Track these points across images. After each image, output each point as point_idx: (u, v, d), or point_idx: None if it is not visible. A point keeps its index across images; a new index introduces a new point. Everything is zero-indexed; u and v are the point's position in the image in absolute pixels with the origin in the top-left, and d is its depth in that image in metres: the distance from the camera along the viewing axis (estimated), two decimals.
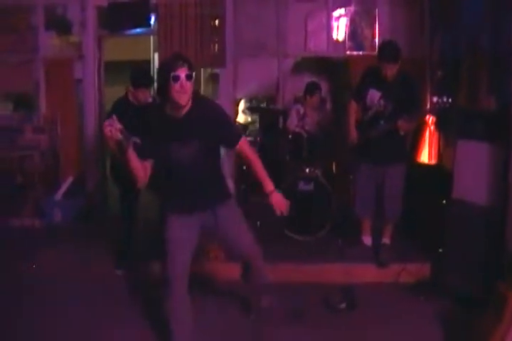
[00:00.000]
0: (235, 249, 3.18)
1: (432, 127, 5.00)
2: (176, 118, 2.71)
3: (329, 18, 5.70)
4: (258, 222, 4.91)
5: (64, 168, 6.00)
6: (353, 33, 5.67)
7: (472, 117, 3.86)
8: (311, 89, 5.09)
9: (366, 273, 4.10)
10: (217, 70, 6.28)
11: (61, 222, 5.57)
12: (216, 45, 5.76)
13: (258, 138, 5.26)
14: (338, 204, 4.70)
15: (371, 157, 4.21)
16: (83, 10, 5.86)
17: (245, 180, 5.26)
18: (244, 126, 6.07)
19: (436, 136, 4.95)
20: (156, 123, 2.75)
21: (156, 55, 6.67)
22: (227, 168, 5.39)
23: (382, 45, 4.17)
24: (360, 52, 5.68)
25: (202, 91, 7.12)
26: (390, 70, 3.98)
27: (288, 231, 4.63)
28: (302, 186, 4.68)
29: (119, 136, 2.49)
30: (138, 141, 2.57)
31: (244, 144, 2.92)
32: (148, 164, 2.73)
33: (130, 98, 4.18)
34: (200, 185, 2.86)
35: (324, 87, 5.42)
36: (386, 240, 4.40)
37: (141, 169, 2.69)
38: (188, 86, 2.60)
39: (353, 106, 4.37)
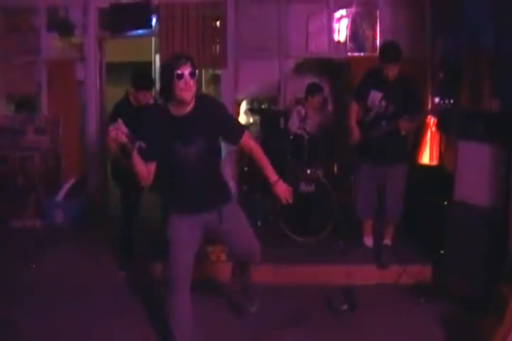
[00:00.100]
0: (237, 245, 3.15)
1: (434, 128, 5.00)
2: (180, 116, 2.73)
3: (330, 19, 5.70)
4: (259, 223, 4.92)
5: (65, 169, 6.01)
6: (354, 34, 5.67)
7: (473, 118, 3.86)
8: (313, 89, 5.09)
9: (367, 274, 4.10)
10: (218, 71, 6.29)
11: (62, 222, 5.59)
12: (217, 46, 5.77)
13: (259, 140, 5.25)
14: (339, 205, 4.69)
15: (372, 157, 4.21)
16: (85, 11, 5.88)
17: (247, 181, 5.26)
18: (246, 127, 6.06)
19: (437, 137, 4.94)
20: (160, 122, 2.76)
21: (158, 57, 6.66)
22: (229, 169, 5.40)
23: (384, 46, 4.18)
24: (362, 54, 5.68)
25: None
26: (392, 71, 3.98)
27: (289, 232, 4.63)
28: (303, 187, 4.68)
29: (125, 139, 2.52)
30: (143, 144, 2.59)
31: (247, 139, 2.95)
32: (152, 166, 2.74)
33: (131, 99, 4.19)
34: (204, 185, 2.87)
35: (325, 88, 5.41)
36: (387, 241, 4.40)
37: (145, 171, 2.71)
38: (192, 83, 2.65)
39: (354, 107, 4.36)
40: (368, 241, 4.48)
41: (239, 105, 6.05)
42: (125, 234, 4.32)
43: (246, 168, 5.27)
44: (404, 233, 4.58)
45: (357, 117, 4.34)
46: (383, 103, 4.12)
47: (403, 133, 4.07)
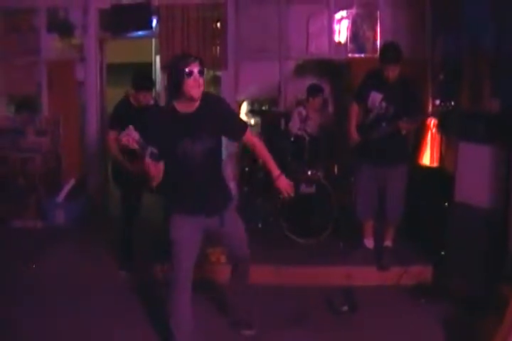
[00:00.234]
0: (232, 249, 3.22)
1: (434, 129, 5.00)
2: (187, 114, 2.78)
3: (331, 20, 5.71)
4: (260, 224, 4.92)
5: (66, 170, 6.02)
6: (354, 35, 5.68)
7: (474, 119, 3.86)
8: (314, 91, 5.09)
9: (368, 275, 4.09)
10: (218, 73, 6.29)
11: (63, 223, 5.60)
12: (218, 48, 5.77)
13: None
14: (339, 206, 4.69)
15: (373, 159, 4.20)
16: (85, 12, 5.89)
17: (248, 183, 5.26)
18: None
19: (438, 138, 4.94)
20: (167, 121, 2.79)
21: (158, 58, 6.67)
22: (230, 170, 5.40)
23: (384, 47, 4.19)
24: (362, 55, 5.69)
25: None
26: (392, 72, 3.98)
27: (289, 233, 4.62)
28: (304, 188, 4.68)
29: (136, 146, 2.55)
30: (155, 150, 2.61)
31: (250, 134, 3.00)
32: (161, 166, 2.76)
33: (131, 100, 4.19)
34: (207, 184, 2.90)
35: (326, 89, 5.41)
36: (388, 243, 4.39)
37: (158, 173, 2.74)
38: (201, 81, 2.70)
39: (355, 109, 4.36)
40: (369, 242, 4.48)
41: (239, 106, 6.06)
42: (125, 234, 4.32)
43: (247, 169, 5.27)
44: (405, 234, 4.57)
45: (357, 119, 4.34)
46: (383, 104, 4.12)
47: (403, 132, 4.06)
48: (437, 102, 3.96)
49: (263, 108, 6.36)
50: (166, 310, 3.14)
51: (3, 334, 3.30)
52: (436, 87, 5.25)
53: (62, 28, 5.98)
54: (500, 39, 3.82)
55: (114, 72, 6.58)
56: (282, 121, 5.63)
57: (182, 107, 2.78)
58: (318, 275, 4.09)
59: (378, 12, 5.62)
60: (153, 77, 8.03)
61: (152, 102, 4.32)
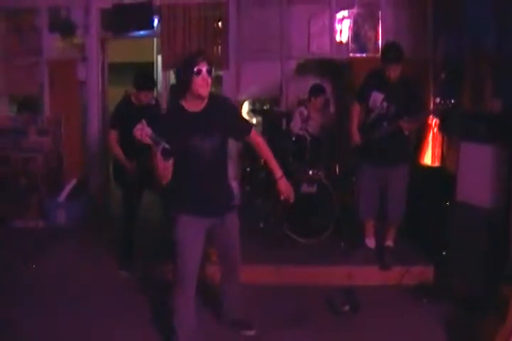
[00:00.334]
0: (225, 253, 3.23)
1: (435, 129, 4.99)
2: (195, 112, 2.84)
3: (332, 20, 5.70)
4: (261, 224, 4.92)
5: (67, 170, 6.03)
6: (356, 35, 5.67)
7: (475, 119, 3.85)
8: (316, 91, 5.08)
9: (369, 275, 4.08)
10: (220, 72, 6.29)
11: (64, 223, 5.61)
12: (219, 47, 5.78)
13: None
14: (341, 206, 4.68)
15: (374, 159, 4.20)
16: (87, 12, 5.90)
17: (249, 182, 5.26)
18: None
19: (439, 137, 4.94)
20: (176, 119, 2.84)
21: (160, 57, 6.67)
22: (232, 170, 5.40)
23: (386, 47, 4.18)
24: (364, 54, 5.68)
25: None
26: (394, 71, 3.97)
27: (291, 233, 4.62)
28: (305, 188, 4.67)
29: (149, 140, 2.56)
30: (167, 146, 2.61)
31: (255, 134, 3.06)
32: (170, 165, 2.76)
33: (133, 100, 4.19)
34: (215, 185, 2.94)
35: (327, 89, 5.40)
36: (389, 242, 4.38)
37: (167, 171, 2.75)
38: (209, 80, 2.77)
39: (356, 108, 4.36)
40: (370, 242, 4.47)
41: (241, 106, 6.05)
42: (126, 234, 4.32)
43: (248, 169, 5.26)
44: (407, 234, 4.56)
45: (359, 119, 4.34)
46: (385, 104, 4.12)
47: (406, 132, 4.06)
48: (438, 102, 3.94)
49: (264, 107, 6.36)
50: (167, 309, 3.15)
51: (3, 334, 3.30)
52: (437, 86, 5.24)
53: (64, 27, 5.98)
54: (502, 39, 3.81)
55: (115, 71, 6.59)
56: (284, 121, 5.63)
57: (190, 106, 2.84)
58: (319, 275, 4.08)
59: (380, 12, 5.62)
60: (155, 76, 8.05)
61: (154, 102, 4.33)
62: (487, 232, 3.60)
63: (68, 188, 5.74)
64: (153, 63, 8.98)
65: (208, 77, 2.76)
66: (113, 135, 4.18)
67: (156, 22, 5.87)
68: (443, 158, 4.84)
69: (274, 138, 5.28)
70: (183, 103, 2.85)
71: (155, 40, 8.13)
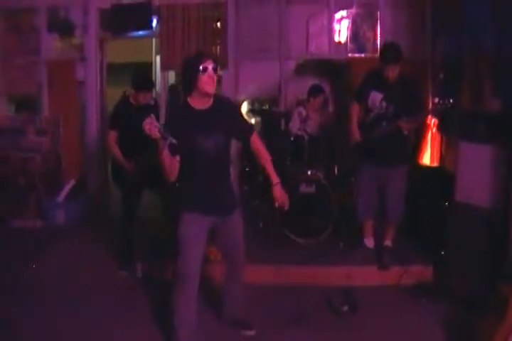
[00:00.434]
0: (229, 252, 3.24)
1: (434, 129, 5.00)
2: (201, 110, 2.89)
3: (331, 20, 5.71)
4: (260, 224, 4.92)
5: (66, 170, 6.02)
6: (354, 35, 5.67)
7: (474, 119, 3.86)
8: (315, 91, 5.09)
9: (368, 275, 4.09)
10: (219, 72, 6.28)
11: (63, 223, 5.60)
12: (218, 47, 5.77)
13: None
14: (339, 206, 4.69)
15: (373, 158, 4.20)
16: (85, 12, 5.89)
17: (248, 182, 5.25)
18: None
19: (438, 137, 4.94)
20: (183, 117, 2.88)
21: (158, 58, 6.67)
22: (231, 170, 5.38)
23: (384, 47, 4.19)
24: (362, 55, 5.68)
25: None
26: (392, 71, 3.98)
27: (290, 233, 4.62)
28: (304, 188, 4.68)
29: (158, 134, 2.58)
30: (174, 141, 2.63)
31: (256, 137, 3.11)
32: (177, 162, 2.79)
33: (131, 100, 4.19)
34: (219, 184, 2.98)
35: (326, 89, 5.40)
36: (388, 242, 4.39)
37: (173, 168, 2.78)
38: (215, 77, 2.83)
39: (355, 108, 4.36)
40: (369, 242, 4.47)
41: (240, 106, 6.05)
42: (125, 234, 4.32)
43: (247, 169, 5.26)
44: (406, 233, 4.57)
45: (358, 118, 4.34)
46: (384, 104, 4.12)
47: (405, 132, 4.06)
48: (437, 101, 3.95)
49: (263, 108, 6.36)
50: (167, 309, 3.16)
51: (3, 334, 3.29)
52: (436, 86, 5.25)
53: (63, 27, 5.98)
54: (501, 39, 3.82)
55: (114, 71, 6.58)
56: (282, 121, 5.63)
57: (196, 104, 2.89)
58: (318, 275, 4.09)
59: (378, 12, 5.62)
60: (154, 77, 8.05)
61: (152, 102, 4.33)
62: (486, 232, 3.61)
63: (67, 188, 5.73)
64: (151, 63, 8.99)
65: (214, 74, 2.81)
66: (112, 135, 4.18)
67: (154, 22, 5.87)
68: (442, 158, 4.84)
69: (272, 138, 5.29)
70: (190, 101, 2.90)
71: (154, 40, 8.15)
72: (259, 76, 5.87)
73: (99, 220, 5.67)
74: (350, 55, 5.73)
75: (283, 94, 5.85)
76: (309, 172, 4.76)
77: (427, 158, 5.11)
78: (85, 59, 5.96)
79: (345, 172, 5.08)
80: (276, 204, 3.08)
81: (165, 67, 5.94)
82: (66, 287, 3.99)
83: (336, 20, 5.73)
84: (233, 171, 5.43)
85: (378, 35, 5.63)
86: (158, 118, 4.24)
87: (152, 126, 2.56)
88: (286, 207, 3.08)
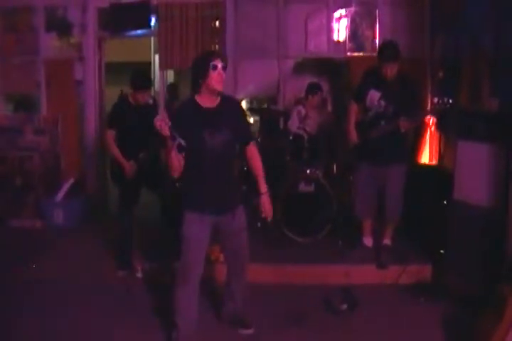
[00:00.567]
0: (233, 252, 3.24)
1: (433, 128, 5.00)
2: (209, 108, 2.95)
3: (330, 19, 5.69)
4: (259, 223, 4.91)
5: (64, 169, 6.00)
6: (353, 33, 5.66)
7: (473, 118, 3.86)
8: (313, 89, 5.09)
9: (367, 274, 4.09)
10: None
11: (62, 223, 5.58)
12: (217, 46, 5.76)
13: (259, 139, 5.25)
14: (338, 205, 4.69)
15: (372, 157, 4.21)
16: (84, 11, 5.87)
17: (246, 181, 5.24)
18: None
19: (436, 136, 4.94)
20: (190, 113, 2.92)
21: (157, 57, 6.66)
22: None
23: (383, 45, 4.19)
24: (361, 53, 5.67)
25: None
26: (390, 70, 3.98)
27: (288, 232, 4.62)
28: (303, 187, 4.68)
29: (167, 132, 2.63)
30: (183, 142, 2.68)
31: (253, 146, 3.17)
32: (182, 158, 2.82)
33: (130, 100, 4.19)
34: (223, 181, 3.01)
35: (325, 87, 5.40)
36: (387, 241, 4.40)
37: (179, 165, 2.82)
38: (224, 75, 2.89)
39: (354, 107, 4.37)
40: (368, 241, 4.48)
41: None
42: (123, 233, 4.31)
43: (246, 168, 5.25)
44: (404, 232, 4.57)
45: (356, 118, 4.34)
46: (382, 102, 4.13)
47: (402, 130, 4.07)
48: (436, 100, 3.95)
49: (262, 106, 6.36)
50: (167, 308, 3.18)
51: (3, 334, 3.29)
52: (435, 85, 5.25)
53: (61, 26, 5.96)
54: (500, 38, 3.82)
55: (112, 71, 6.57)
56: (281, 120, 5.63)
57: (204, 101, 2.94)
58: (316, 274, 4.10)
59: (377, 10, 5.60)
60: (152, 76, 8.04)
61: (151, 102, 4.32)
62: (484, 231, 3.61)
63: (65, 188, 5.72)
64: (150, 62, 8.98)
65: (223, 72, 2.88)
66: (110, 134, 4.18)
67: (153, 21, 5.86)
68: (440, 157, 4.84)
69: (271, 137, 5.29)
70: (198, 98, 2.95)
71: (152, 39, 8.15)
72: (258, 75, 5.87)
73: (98, 220, 5.66)
74: (349, 53, 5.71)
75: (282, 92, 5.84)
76: (308, 171, 4.76)
77: (425, 157, 5.11)
78: (84, 58, 5.95)
79: (344, 171, 5.08)
80: (262, 214, 3.12)
81: (163, 66, 5.93)
82: (66, 287, 3.99)
83: (334, 19, 5.71)
84: None
85: (377, 34, 5.62)
86: None
87: (164, 124, 2.61)
88: (270, 219, 3.14)
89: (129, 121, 4.12)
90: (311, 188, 4.68)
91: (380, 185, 4.26)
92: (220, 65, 2.86)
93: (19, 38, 5.98)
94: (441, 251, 3.99)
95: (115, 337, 3.29)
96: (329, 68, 5.83)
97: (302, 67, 5.91)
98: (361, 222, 4.48)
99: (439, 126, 4.86)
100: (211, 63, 2.85)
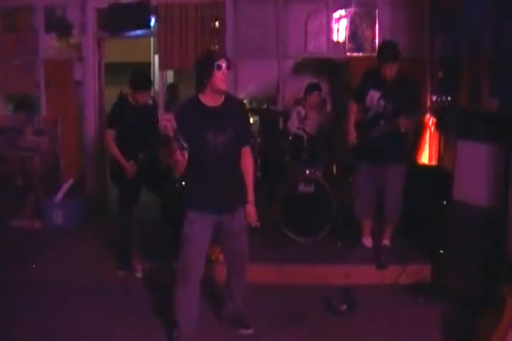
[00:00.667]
0: (233, 252, 3.25)
1: (432, 128, 5.00)
2: (213, 107, 2.99)
3: (329, 19, 5.70)
4: (258, 224, 4.91)
5: (64, 170, 6.01)
6: (353, 34, 5.66)
7: (472, 118, 3.86)
8: (311, 88, 5.09)
9: (366, 274, 4.10)
10: None
11: (61, 223, 5.58)
12: (216, 47, 5.76)
13: (258, 140, 5.25)
14: (338, 205, 4.69)
15: (371, 158, 4.21)
16: (83, 11, 5.87)
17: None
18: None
19: (436, 136, 4.94)
20: (194, 112, 2.95)
21: (156, 57, 6.66)
22: None
23: (382, 45, 4.20)
24: (361, 54, 5.67)
25: None
26: (390, 70, 3.99)
27: (288, 232, 4.62)
28: (302, 187, 4.68)
29: (171, 133, 2.66)
30: (186, 146, 2.72)
31: (248, 150, 3.16)
32: (185, 156, 2.83)
33: (130, 100, 4.19)
34: (227, 180, 3.01)
35: (324, 88, 5.41)
36: (386, 241, 4.40)
37: (184, 160, 2.83)
38: (227, 75, 2.93)
39: (353, 107, 4.37)
40: (367, 241, 4.49)
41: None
42: (123, 233, 4.31)
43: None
44: (404, 233, 4.58)
45: (356, 118, 4.35)
46: (382, 102, 4.13)
47: (402, 130, 4.07)
48: (435, 100, 3.96)
49: (262, 107, 6.36)
50: (168, 308, 3.19)
51: (3, 334, 3.29)
52: (435, 85, 5.25)
53: (60, 27, 5.96)
54: (499, 38, 3.82)
55: (112, 71, 6.57)
56: (281, 120, 5.63)
57: (208, 101, 2.98)
58: (316, 274, 4.10)
59: (377, 11, 5.61)
60: (152, 76, 8.04)
61: (151, 102, 4.32)
62: (484, 231, 3.61)
63: (65, 188, 5.72)
64: (150, 63, 8.97)
65: (227, 72, 2.93)
66: (110, 135, 4.18)
67: (152, 22, 5.86)
68: (440, 157, 4.84)
69: (271, 137, 5.29)
70: (201, 98, 2.98)
71: (152, 39, 8.14)
72: (258, 75, 5.87)
73: (97, 220, 5.66)
74: (348, 54, 5.71)
75: (281, 93, 5.84)
76: (308, 172, 4.76)
77: (425, 157, 5.11)
78: (83, 58, 5.95)
79: (343, 172, 5.08)
80: (248, 223, 3.15)
81: (163, 66, 5.93)
82: (66, 287, 3.99)
83: (334, 19, 5.72)
84: None
85: (377, 34, 5.62)
86: (157, 118, 4.30)
87: (169, 124, 2.65)
88: (252, 225, 3.17)
89: (129, 121, 4.12)
90: (311, 188, 4.68)
91: (380, 185, 4.26)
92: (224, 65, 2.91)
93: (19, 38, 5.98)
94: (441, 251, 3.99)
95: (115, 337, 3.29)
96: (329, 68, 5.83)
97: (302, 67, 5.92)
98: (361, 222, 4.48)
99: (439, 126, 4.86)
100: (216, 63, 2.89)
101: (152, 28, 5.91)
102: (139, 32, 5.99)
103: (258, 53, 5.80)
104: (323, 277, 4.06)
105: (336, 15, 5.71)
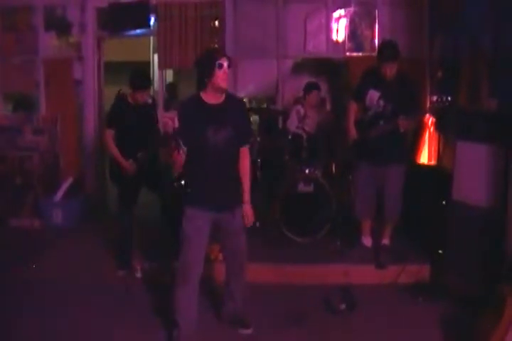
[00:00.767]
0: (231, 251, 3.25)
1: (432, 128, 5.00)
2: (214, 104, 3.01)
3: (329, 19, 5.70)
4: (257, 223, 4.92)
5: (63, 169, 6.01)
6: (352, 33, 5.67)
7: (472, 118, 3.87)
8: (310, 87, 5.09)
9: (366, 274, 4.10)
10: None
11: (60, 222, 5.59)
12: (216, 46, 5.76)
13: (258, 139, 5.26)
14: (337, 205, 4.69)
15: (371, 157, 4.21)
16: (83, 11, 5.88)
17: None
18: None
19: (435, 136, 4.95)
20: (195, 110, 2.97)
21: (156, 56, 6.66)
22: None
23: (382, 45, 4.20)
24: (360, 53, 5.68)
25: None
26: (390, 69, 3.99)
27: (287, 232, 4.63)
28: (302, 187, 4.68)
29: (171, 132, 2.73)
30: (184, 148, 2.79)
31: (246, 150, 3.16)
32: (184, 154, 2.88)
33: (129, 99, 4.19)
34: (225, 178, 3.02)
35: (324, 87, 5.42)
36: (386, 241, 4.41)
37: (180, 164, 2.89)
38: (228, 74, 2.96)
39: (353, 107, 4.37)
40: (367, 241, 4.49)
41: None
42: (123, 233, 4.31)
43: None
44: (403, 232, 4.58)
45: (356, 117, 4.35)
46: (381, 102, 4.13)
47: (402, 130, 4.08)
48: (435, 100, 3.96)
49: (261, 106, 6.36)
50: (168, 308, 3.19)
51: (3, 334, 3.29)
52: (434, 85, 5.25)
53: (60, 26, 5.96)
54: (499, 38, 3.83)
55: (111, 70, 6.57)
56: (280, 120, 5.63)
57: (209, 99, 3.00)
58: (316, 274, 4.10)
59: (376, 10, 5.61)
60: (151, 75, 8.03)
61: (150, 101, 4.32)
62: (483, 231, 3.61)
63: (64, 187, 5.72)
64: (149, 62, 8.96)
65: (228, 70, 2.95)
66: (109, 134, 4.18)
67: (152, 21, 5.86)
68: (439, 157, 4.84)
69: (270, 136, 5.29)
70: (203, 96, 3.00)
71: (151, 38, 8.13)
72: (257, 74, 5.88)
73: (97, 219, 5.66)
74: (348, 53, 5.72)
75: (280, 92, 5.85)
76: (307, 171, 4.76)
77: (424, 157, 5.12)
78: (83, 58, 5.95)
79: (343, 171, 5.09)
80: (245, 222, 3.15)
81: (163, 65, 5.93)
82: (66, 287, 3.99)
83: (333, 19, 5.72)
84: None
85: (376, 34, 5.63)
86: (156, 117, 4.31)
87: (171, 122, 2.72)
88: (249, 225, 3.18)
89: (128, 120, 4.12)
90: (310, 188, 4.68)
91: (380, 184, 4.27)
92: (225, 64, 2.93)
93: (18, 38, 5.98)
94: (440, 251, 4.00)
95: (115, 337, 3.29)
96: (328, 68, 5.84)
97: (301, 66, 5.92)
98: (360, 221, 4.49)
99: (438, 126, 4.86)
100: (217, 62, 2.91)
101: (152, 27, 5.91)
102: (138, 31, 5.99)
103: (258, 53, 5.80)
104: (322, 277, 4.07)
105: (336, 15, 5.71)
